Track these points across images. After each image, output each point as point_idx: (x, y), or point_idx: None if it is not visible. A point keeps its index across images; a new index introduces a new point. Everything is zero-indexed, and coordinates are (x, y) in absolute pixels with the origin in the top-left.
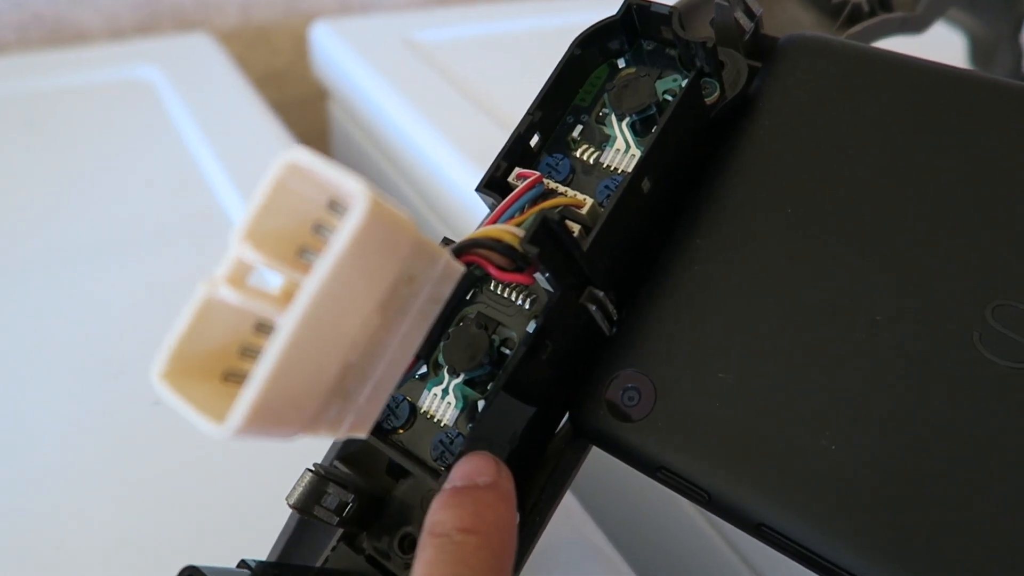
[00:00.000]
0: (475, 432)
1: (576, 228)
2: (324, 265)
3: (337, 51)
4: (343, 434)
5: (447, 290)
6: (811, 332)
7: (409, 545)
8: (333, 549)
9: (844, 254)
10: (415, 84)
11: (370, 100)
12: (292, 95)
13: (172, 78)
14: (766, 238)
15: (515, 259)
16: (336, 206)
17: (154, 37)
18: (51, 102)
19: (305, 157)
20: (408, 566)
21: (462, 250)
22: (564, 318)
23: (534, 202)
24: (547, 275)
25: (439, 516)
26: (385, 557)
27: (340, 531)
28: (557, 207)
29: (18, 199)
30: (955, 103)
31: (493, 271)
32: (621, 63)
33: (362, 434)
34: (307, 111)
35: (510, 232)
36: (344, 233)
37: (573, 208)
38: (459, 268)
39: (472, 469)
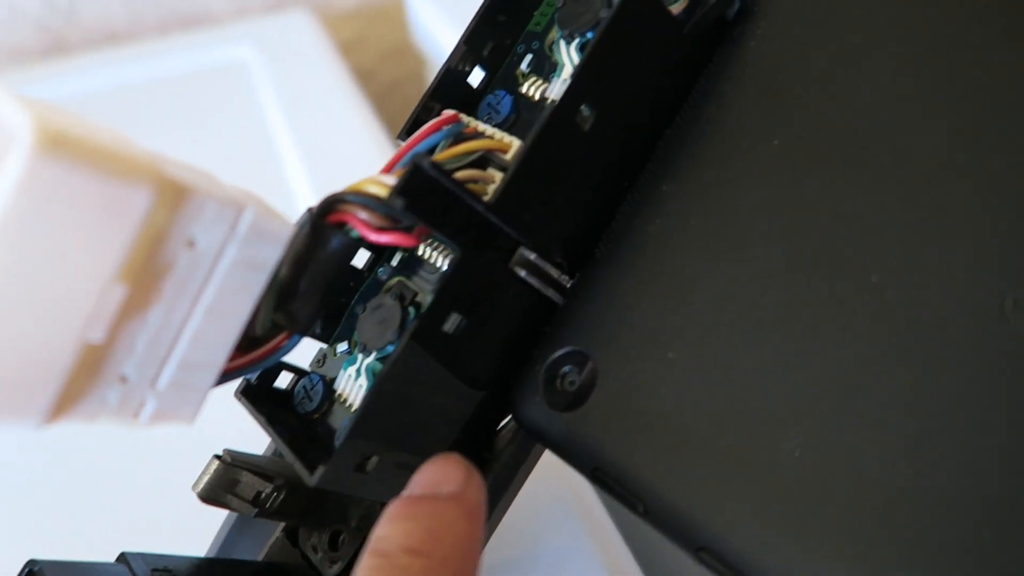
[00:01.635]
0: (355, 420)
1: (498, 177)
2: None
3: (435, 22)
4: (148, 423)
5: (270, 254)
6: (785, 299)
7: (340, 543)
8: (275, 541)
9: (842, 193)
10: None
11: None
12: (392, 72)
13: (266, 59)
14: (743, 179)
15: (388, 215)
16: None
17: (251, 17)
18: (153, 90)
19: None
20: (334, 563)
21: (326, 208)
22: (479, 284)
23: (451, 146)
24: (437, 232)
25: (384, 530)
26: (316, 553)
27: (282, 523)
28: (473, 152)
29: None
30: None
31: (366, 232)
32: None
33: (182, 422)
34: (410, 89)
35: (380, 183)
36: (4, 179)
37: (498, 153)
38: (282, 226)
39: (435, 475)
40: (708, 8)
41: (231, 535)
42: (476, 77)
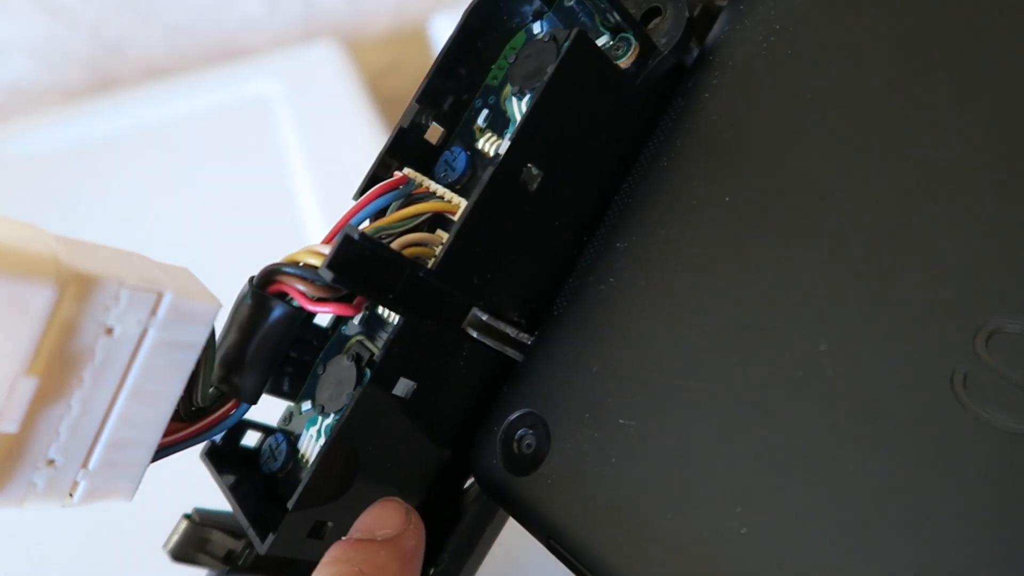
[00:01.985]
0: (302, 492)
1: (447, 239)
2: None
3: None
4: (81, 501)
5: (196, 334)
6: (737, 371)
7: None
8: None
9: (788, 258)
10: None
11: None
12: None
13: (290, 92)
14: (694, 239)
15: (332, 287)
16: None
17: (281, 49)
18: (177, 128)
19: None
20: None
21: (265, 279)
22: (432, 347)
23: (403, 207)
24: (376, 302)
25: (320, 573)
26: None
27: None
28: (421, 214)
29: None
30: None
31: (304, 303)
32: (537, 28)
33: (120, 498)
34: None
35: (316, 252)
36: None
37: (447, 215)
38: (208, 306)
39: (373, 519)
40: (661, 59)
41: None
42: (435, 133)
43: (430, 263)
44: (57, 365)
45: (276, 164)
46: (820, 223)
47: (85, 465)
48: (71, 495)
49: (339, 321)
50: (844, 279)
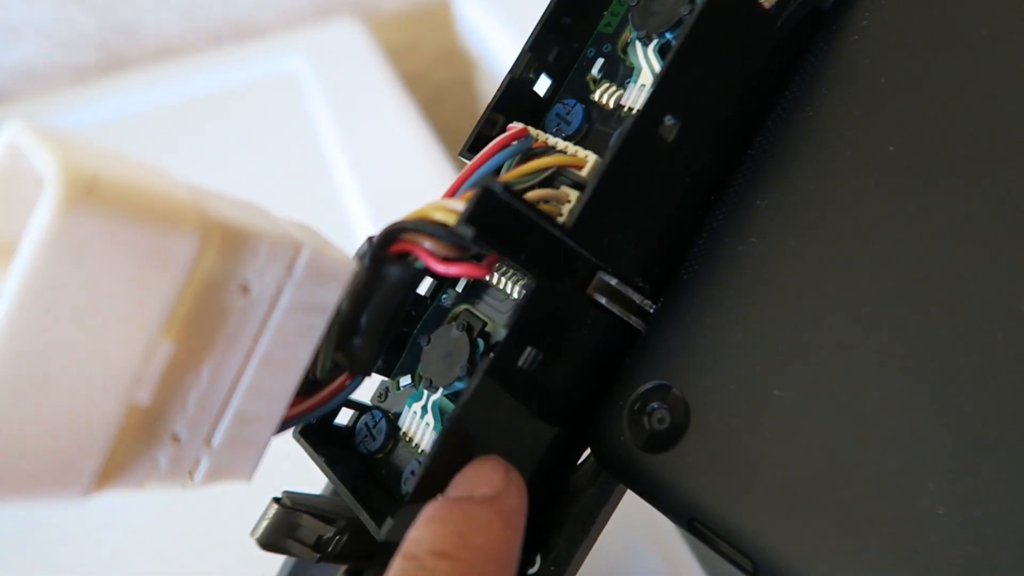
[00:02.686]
0: (426, 471)
1: (573, 196)
2: (11, 283)
3: (484, 23)
4: (203, 483)
5: (330, 295)
6: (917, 331)
7: None
8: None
9: (977, 212)
10: None
11: None
12: (442, 76)
13: (317, 69)
14: (855, 194)
15: (456, 244)
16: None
17: (299, 26)
18: (206, 104)
19: (20, 132)
20: None
21: (388, 238)
22: (556, 314)
23: (522, 162)
24: (512, 261)
25: (416, 533)
26: None
27: (344, 566)
28: (545, 169)
29: None
30: None
31: (431, 262)
32: None
33: (239, 479)
34: (460, 92)
35: (447, 209)
36: (31, 234)
37: (572, 169)
38: (343, 265)
39: (472, 478)
40: (804, 0)
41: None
42: (542, 85)
43: (560, 221)
44: (192, 328)
45: (305, 142)
46: (1004, 178)
47: (209, 442)
48: (191, 475)
49: (437, 289)
50: None
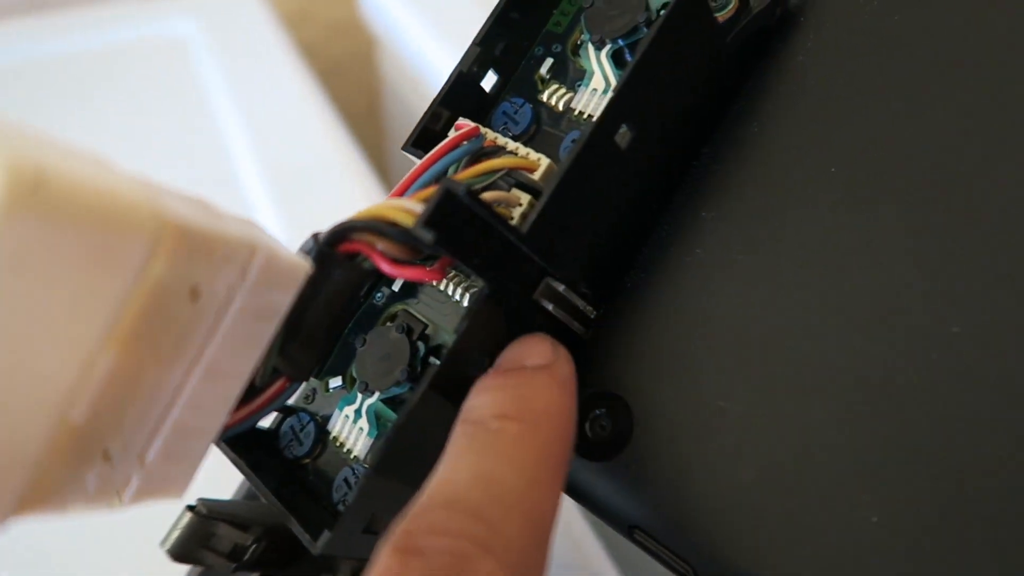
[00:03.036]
0: (368, 477)
1: (525, 199)
2: None
3: None
4: (131, 502)
5: (281, 300)
6: (855, 347)
7: None
8: None
9: (911, 232)
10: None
11: (426, 54)
12: (339, 49)
13: (208, 34)
14: (797, 209)
15: (414, 246)
16: None
17: None
18: (86, 62)
19: None
20: None
21: (338, 237)
22: (504, 320)
23: (471, 164)
24: (465, 266)
25: (473, 402)
26: None
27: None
28: (497, 171)
29: None
30: None
31: (383, 264)
32: None
33: (171, 496)
34: (357, 67)
35: (404, 209)
36: None
37: (524, 171)
38: (297, 268)
39: (521, 351)
40: (755, 16)
41: None
42: (488, 81)
43: (512, 224)
44: (135, 338)
45: (195, 110)
46: (944, 200)
47: (142, 458)
48: (120, 495)
49: (371, 287)
50: (973, 258)
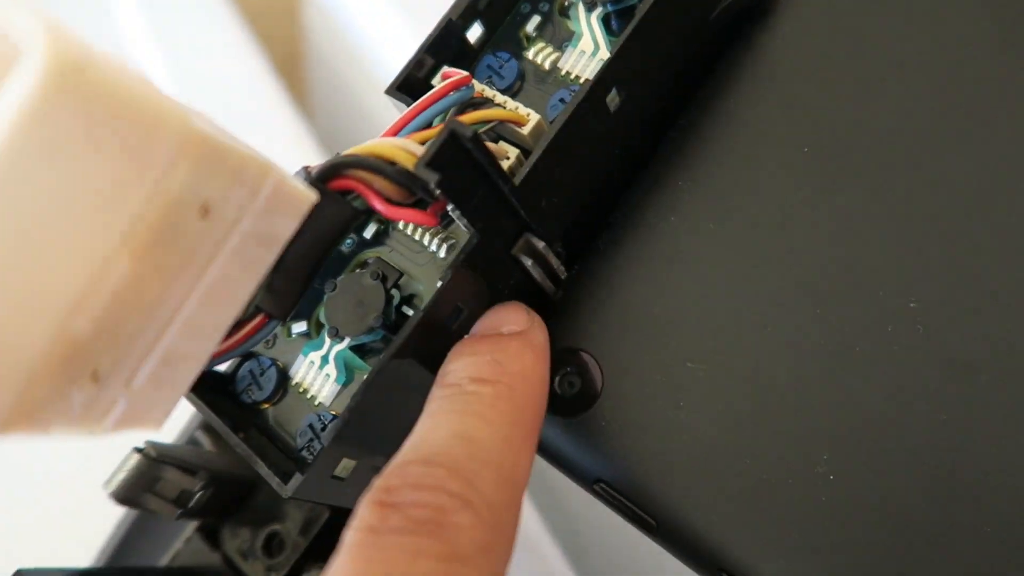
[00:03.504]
0: (345, 420)
1: (513, 153)
2: None
3: None
4: (113, 428)
5: (285, 227)
6: (820, 317)
7: (277, 546)
8: (187, 541)
9: (876, 211)
10: None
11: (348, 6)
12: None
13: None
14: (770, 185)
15: (410, 188)
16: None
17: None
18: None
19: None
20: (272, 572)
21: (332, 172)
22: (488, 273)
23: (459, 112)
24: (459, 213)
25: (450, 366)
26: (244, 558)
27: (195, 522)
28: (487, 122)
29: None
30: None
31: (378, 204)
32: None
33: (149, 427)
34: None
35: (405, 149)
36: (2, 112)
37: (512, 125)
38: (305, 196)
39: (496, 318)
40: None
41: (128, 537)
42: (474, 32)
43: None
44: (146, 249)
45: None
46: (909, 181)
47: (129, 382)
48: (102, 419)
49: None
50: (934, 238)
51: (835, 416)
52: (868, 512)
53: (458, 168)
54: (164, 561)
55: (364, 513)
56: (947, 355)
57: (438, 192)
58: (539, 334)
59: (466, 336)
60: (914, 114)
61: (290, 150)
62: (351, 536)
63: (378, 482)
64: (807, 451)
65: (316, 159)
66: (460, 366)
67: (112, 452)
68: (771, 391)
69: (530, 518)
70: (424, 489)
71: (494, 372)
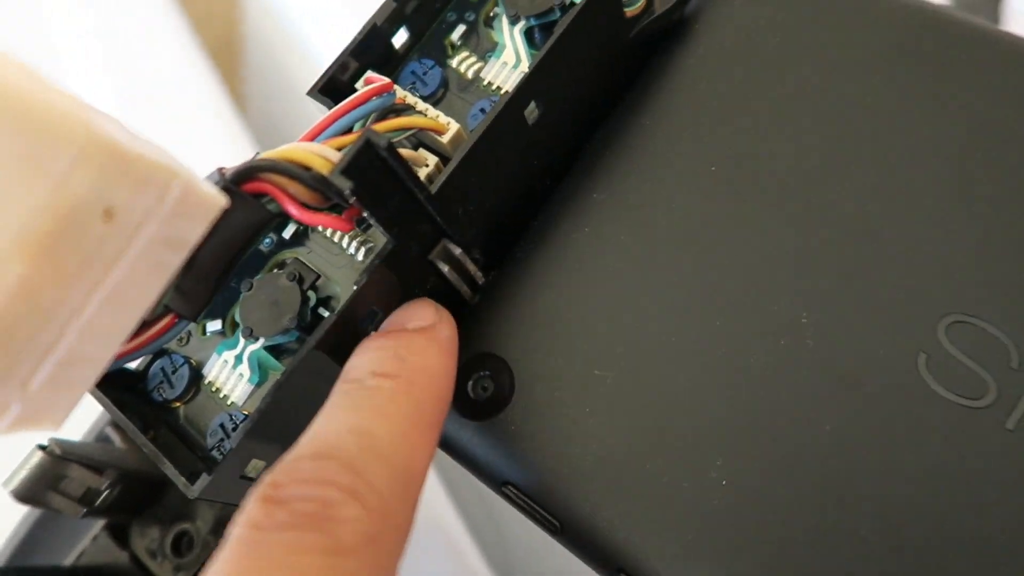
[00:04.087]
0: (255, 421)
1: (432, 161)
2: None
3: None
4: (7, 430)
5: (193, 231)
6: (720, 330)
7: (187, 545)
8: (94, 539)
9: (775, 231)
10: None
11: None
12: None
13: None
14: (679, 201)
15: (325, 193)
16: None
17: None
18: None
19: None
20: (180, 571)
21: (247, 175)
22: (405, 277)
23: (380, 118)
24: (374, 219)
25: (354, 361)
26: (152, 557)
27: (102, 520)
28: (407, 129)
29: None
30: (954, 52)
31: (292, 208)
32: None
33: (47, 427)
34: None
35: (321, 155)
36: None
37: (432, 133)
38: (214, 200)
39: (403, 314)
40: (658, 16)
41: (31, 535)
42: (399, 38)
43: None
44: (44, 252)
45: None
46: (806, 204)
47: (26, 384)
48: None
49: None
50: (825, 258)
51: (729, 423)
52: (757, 515)
53: (373, 176)
54: (69, 560)
55: (250, 508)
56: (832, 368)
57: (352, 199)
58: (446, 329)
59: (372, 332)
60: (814, 139)
61: (220, 140)
62: (236, 532)
63: (267, 477)
64: (702, 456)
65: (248, 149)
66: (363, 361)
67: (12, 448)
68: (671, 398)
69: (447, 513)
70: (311, 484)
71: (395, 367)
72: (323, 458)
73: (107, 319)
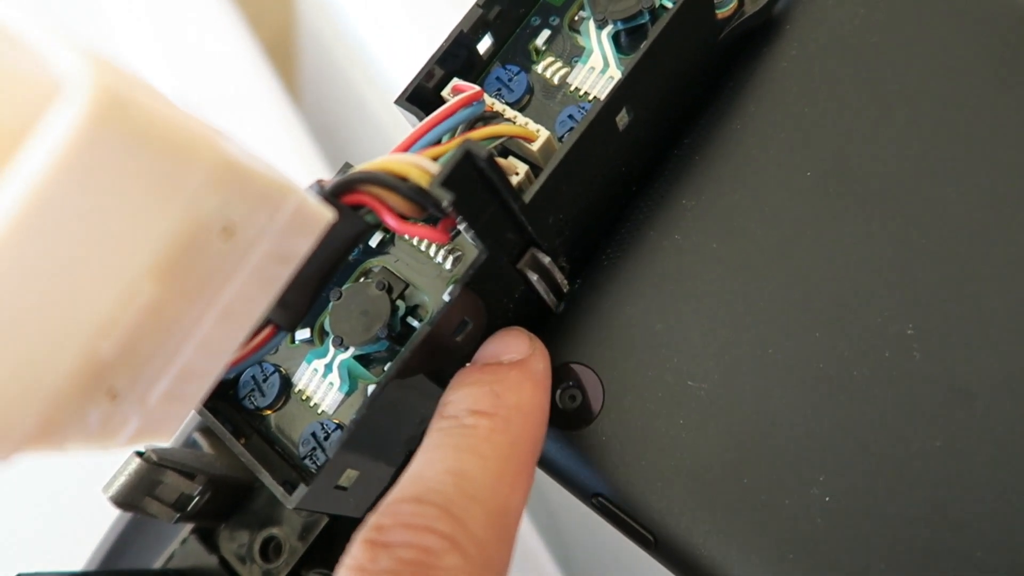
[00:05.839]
0: (352, 432)
1: (522, 169)
2: (11, 198)
3: None
4: (127, 444)
5: (302, 245)
6: (819, 341)
7: (274, 550)
8: (183, 543)
9: (875, 239)
10: None
11: None
12: None
13: None
14: (774, 207)
15: (422, 204)
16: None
17: None
18: None
19: (14, 19)
20: (268, 575)
21: (346, 187)
22: (493, 287)
23: (469, 127)
24: (470, 230)
25: (451, 396)
26: (241, 562)
27: (191, 525)
28: (497, 138)
29: None
30: None
31: (390, 220)
32: None
33: (161, 440)
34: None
35: (419, 167)
36: (47, 143)
37: (522, 141)
38: (323, 215)
39: (498, 346)
40: (748, 17)
41: (121, 539)
42: (483, 44)
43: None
44: (171, 271)
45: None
46: (907, 210)
47: (144, 399)
48: (116, 435)
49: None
50: (929, 266)
51: (832, 439)
52: (862, 535)
53: (471, 188)
54: (159, 563)
55: (356, 552)
56: (942, 381)
57: (450, 210)
58: (539, 362)
59: (468, 364)
60: (917, 142)
61: (280, 135)
62: (343, 575)
63: (371, 519)
64: (803, 473)
65: (305, 145)
66: (459, 396)
67: (104, 455)
68: (770, 412)
69: (527, 531)
70: (413, 529)
71: (492, 404)
72: (423, 502)
73: (220, 334)
